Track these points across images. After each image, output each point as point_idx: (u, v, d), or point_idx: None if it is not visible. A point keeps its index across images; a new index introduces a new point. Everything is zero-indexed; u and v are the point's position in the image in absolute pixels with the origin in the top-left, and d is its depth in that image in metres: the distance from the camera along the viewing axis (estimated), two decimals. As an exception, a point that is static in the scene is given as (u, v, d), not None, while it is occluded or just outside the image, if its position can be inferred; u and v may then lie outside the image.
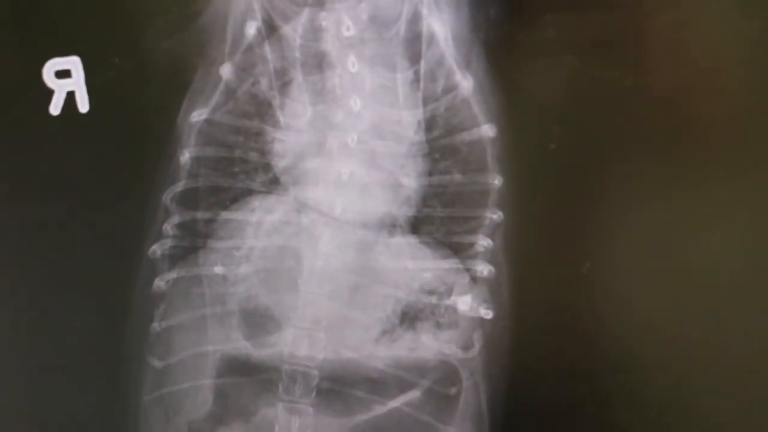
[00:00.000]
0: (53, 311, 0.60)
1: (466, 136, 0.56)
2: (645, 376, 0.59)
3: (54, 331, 0.61)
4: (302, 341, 0.57)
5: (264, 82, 0.56)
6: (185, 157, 0.57)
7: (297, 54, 0.56)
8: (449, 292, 0.57)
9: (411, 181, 0.56)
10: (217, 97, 0.56)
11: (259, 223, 0.57)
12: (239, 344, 0.57)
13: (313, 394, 0.57)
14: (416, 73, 0.55)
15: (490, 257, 0.57)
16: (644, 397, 0.58)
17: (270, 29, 0.56)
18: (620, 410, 0.59)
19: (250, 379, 0.57)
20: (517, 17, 0.56)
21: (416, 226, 0.56)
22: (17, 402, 0.61)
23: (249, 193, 0.57)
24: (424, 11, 0.55)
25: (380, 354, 0.57)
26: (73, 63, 0.58)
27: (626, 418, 0.59)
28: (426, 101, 0.56)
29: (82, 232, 0.60)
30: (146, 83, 0.57)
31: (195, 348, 0.58)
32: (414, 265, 0.57)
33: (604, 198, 0.57)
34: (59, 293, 0.59)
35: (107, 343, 0.60)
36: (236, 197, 0.57)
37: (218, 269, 0.57)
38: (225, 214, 0.57)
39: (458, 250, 0.57)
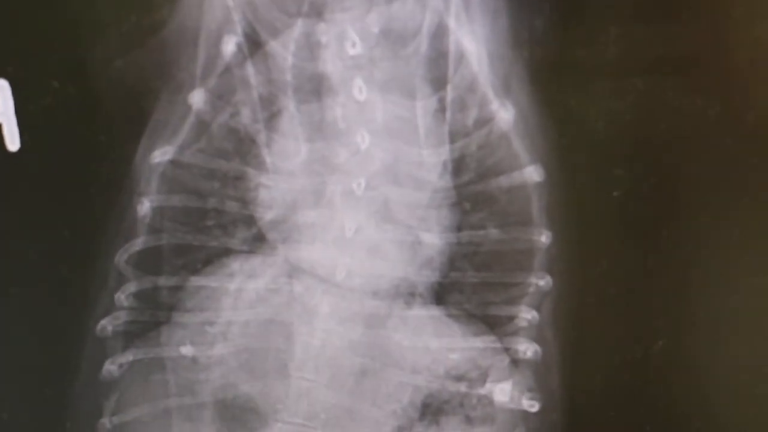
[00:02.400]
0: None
1: (504, 180, 0.56)
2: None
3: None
4: None
5: (246, 113, 0.57)
6: (145, 207, 0.57)
7: (288, 77, 0.56)
8: (483, 379, 0.57)
9: (434, 237, 0.57)
10: (185, 131, 0.57)
11: (239, 292, 0.58)
12: None
13: None
14: (441, 101, 0.56)
15: (536, 334, 0.57)
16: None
17: (254, 45, 0.56)
18: None
19: None
20: (569, 29, 0.57)
21: (441, 295, 0.57)
22: None
23: (226, 253, 0.57)
24: (452, 23, 0.56)
25: None
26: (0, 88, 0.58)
27: None
28: (454, 137, 0.56)
29: (11, 303, 0.60)
30: (93, 114, 0.58)
31: None
32: (438, 344, 0.57)
33: (682, 259, 0.58)
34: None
35: None
36: (210, 259, 0.57)
37: (186, 350, 0.58)
38: (195, 280, 0.58)
39: (495, 325, 0.57)
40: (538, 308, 0.57)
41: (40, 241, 0.60)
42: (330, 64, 0.56)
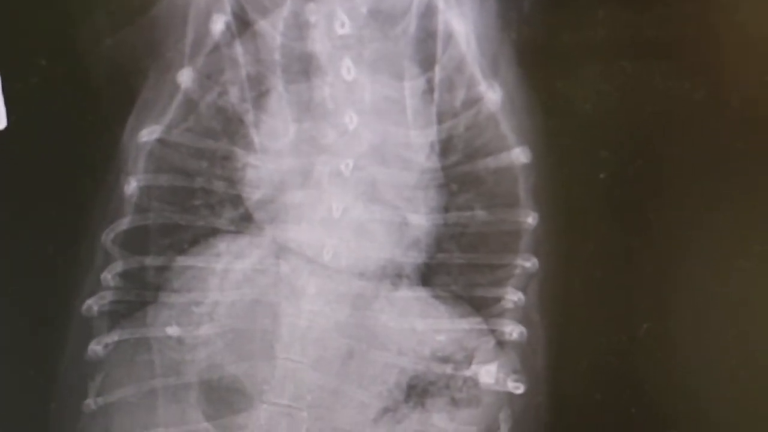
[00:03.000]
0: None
1: (491, 162, 0.57)
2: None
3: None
4: (280, 423, 0.58)
5: (234, 93, 0.57)
6: (132, 186, 0.58)
7: (277, 56, 0.56)
8: (469, 360, 0.58)
9: (421, 218, 0.57)
10: (173, 110, 0.57)
11: (225, 272, 0.58)
12: (198, 427, 0.58)
13: None
14: (429, 82, 0.56)
15: (522, 316, 0.58)
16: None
17: (242, 25, 0.57)
18: None
19: None
20: (558, 11, 0.57)
21: (427, 276, 0.57)
22: None
23: (213, 233, 0.58)
24: (440, 3, 0.56)
25: None
26: (-13, 65, 0.57)
27: None
28: (441, 118, 0.56)
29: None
30: (81, 92, 0.58)
31: None
32: (424, 326, 0.57)
33: (666, 242, 0.58)
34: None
35: (27, 427, 0.60)
36: (197, 238, 0.58)
37: (172, 330, 0.58)
38: (182, 260, 0.58)
39: (481, 306, 0.57)
40: (524, 290, 0.58)
41: (26, 220, 0.60)
42: (319, 44, 0.56)
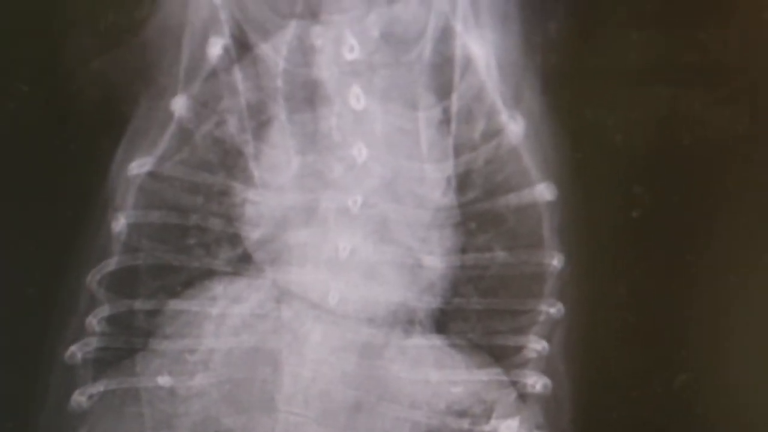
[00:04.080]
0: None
1: (513, 199, 0.56)
2: None
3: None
4: None
5: (233, 122, 0.56)
6: (120, 223, 0.57)
7: (279, 83, 0.56)
8: (488, 415, 0.57)
9: (436, 260, 0.56)
10: (166, 141, 0.56)
11: (222, 317, 0.57)
12: None
13: None
14: (446, 111, 0.55)
15: (546, 366, 0.57)
16: None
17: (242, 48, 0.56)
18: None
19: None
20: (586, 35, 0.56)
21: (443, 322, 0.57)
22: None
23: (209, 274, 0.57)
24: (458, 26, 0.55)
25: None
26: (-39, 91, 0.57)
27: None
28: (459, 151, 0.56)
29: None
30: (65, 120, 0.57)
31: None
32: (439, 377, 0.57)
33: (706, 286, 0.57)
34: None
35: None
36: (191, 281, 0.57)
37: (163, 380, 0.57)
38: (174, 304, 0.57)
39: (501, 356, 0.57)
40: (548, 338, 0.57)
41: (4, 259, 0.59)
42: (325, 70, 0.55)
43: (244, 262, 0.57)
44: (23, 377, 0.59)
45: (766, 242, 0.57)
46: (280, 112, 0.56)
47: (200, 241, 0.57)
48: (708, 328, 0.58)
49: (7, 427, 0.59)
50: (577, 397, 0.58)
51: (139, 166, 0.57)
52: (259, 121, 0.56)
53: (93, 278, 0.58)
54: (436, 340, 0.57)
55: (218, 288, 0.58)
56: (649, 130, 0.56)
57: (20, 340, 0.59)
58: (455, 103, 0.56)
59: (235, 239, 0.57)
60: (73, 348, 0.58)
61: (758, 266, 0.57)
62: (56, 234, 0.58)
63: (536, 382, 0.57)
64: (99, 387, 0.58)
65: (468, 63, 0.55)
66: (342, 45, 0.55)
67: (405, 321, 0.57)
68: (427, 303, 0.57)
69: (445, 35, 0.55)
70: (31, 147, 0.58)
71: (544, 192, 0.56)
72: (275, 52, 0.56)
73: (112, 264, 0.57)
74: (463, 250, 0.57)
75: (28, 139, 0.58)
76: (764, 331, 0.57)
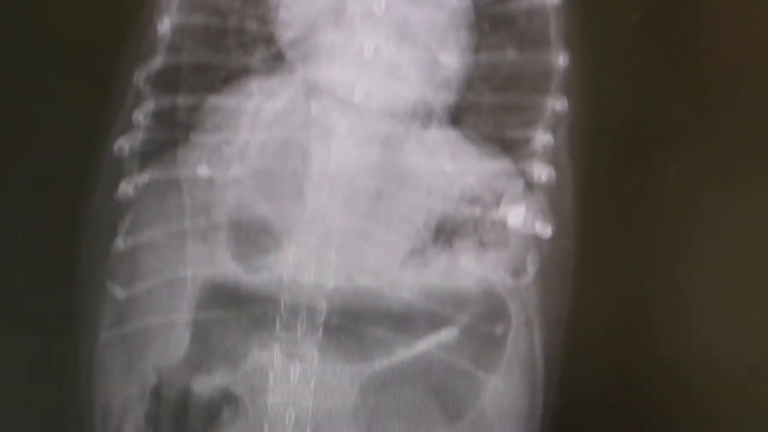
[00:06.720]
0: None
1: (524, 2, 0.57)
2: (729, 308, 0.61)
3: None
4: (307, 264, 0.58)
5: None
6: (165, 26, 0.58)
7: None
8: (497, 202, 0.58)
9: (452, 59, 0.58)
10: None
11: (256, 112, 0.58)
12: (227, 267, 0.58)
13: (320, 332, 0.58)
14: None
15: (551, 158, 0.58)
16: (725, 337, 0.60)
17: None
18: (699, 353, 0.61)
19: (239, 312, 0.58)
20: None
21: (458, 116, 0.58)
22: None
23: (245, 72, 0.58)
24: None
25: (407, 281, 0.58)
26: None
27: (706, 360, 0.61)
28: None
29: (30, 118, 0.62)
30: None
31: (169, 272, 0.59)
32: (453, 167, 0.58)
33: (703, 82, 0.59)
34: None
35: (55, 266, 0.61)
36: (228, 78, 0.58)
37: (202, 170, 0.59)
38: (213, 100, 0.58)
39: (510, 147, 0.58)
40: (554, 132, 0.58)
41: (59, 58, 0.61)
42: None
43: (277, 61, 0.58)
44: (75, 168, 0.61)
45: None
46: None
47: (238, 42, 0.58)
48: (706, 115, 0.60)
49: (62, 212, 0.61)
50: (577, 187, 0.60)
51: (184, -29, 0.57)
52: (294, -76, 0.56)
53: (140, 76, 0.59)
54: (451, 133, 0.58)
55: (253, 84, 0.59)
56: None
57: (71, 135, 0.61)
58: None
59: (269, 39, 0.58)
60: (120, 141, 0.60)
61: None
62: (108, 36, 0.60)
63: (541, 173, 0.59)
64: (144, 177, 0.59)
65: None
66: None
67: (423, 115, 0.58)
68: (444, 98, 0.58)
69: None
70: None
71: (552, -6, 0.57)
72: None
73: (157, 62, 0.59)
74: (477, 50, 0.58)
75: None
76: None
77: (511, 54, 0.58)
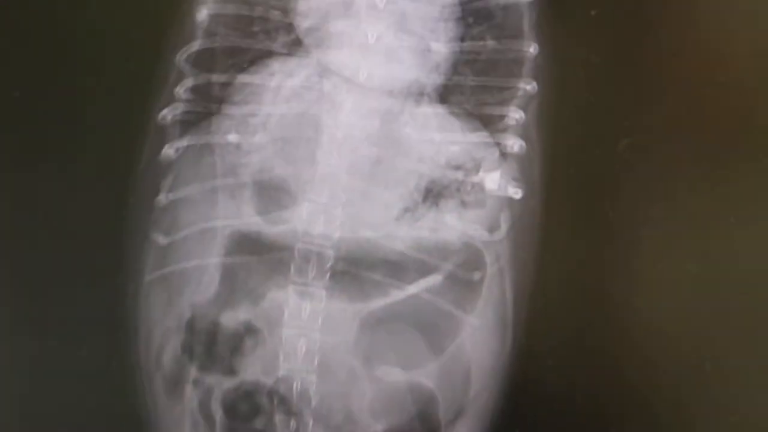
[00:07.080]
0: (53, 175, 0.66)
1: (501, 0, 0.61)
2: (688, 269, 0.65)
3: (52, 196, 0.66)
4: (318, 217, 0.62)
5: None
6: (202, 14, 0.63)
7: None
8: (477, 168, 0.62)
9: (441, 46, 0.62)
10: None
11: (277, 88, 0.63)
12: (250, 220, 0.63)
13: (327, 276, 0.62)
14: None
15: (522, 131, 0.63)
16: (687, 299, 0.64)
17: None
18: (658, 310, 0.65)
19: (260, 258, 0.62)
20: None
21: (445, 95, 0.62)
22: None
23: (268, 55, 0.62)
24: None
25: (400, 234, 0.62)
26: None
27: (664, 325, 0.65)
28: None
29: (88, 92, 0.66)
30: None
31: (203, 223, 0.63)
32: (441, 138, 0.62)
33: (651, 67, 0.63)
34: (60, 158, 0.66)
35: (109, 215, 0.66)
36: (255, 59, 0.62)
37: (232, 137, 0.63)
38: (242, 78, 0.63)
39: (488, 122, 0.62)
40: (524, 109, 0.63)
41: (114, 40, 0.67)
42: None
43: (295, 46, 0.63)
44: (126, 135, 0.66)
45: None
46: None
47: (263, 29, 0.63)
48: (650, 97, 0.64)
49: (113, 173, 0.66)
50: (544, 157, 0.65)
51: (217, -33, 0.60)
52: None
53: (181, 56, 0.64)
54: (440, 109, 0.63)
55: (275, 65, 0.63)
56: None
57: (123, 106, 0.66)
58: None
59: (289, 27, 0.62)
60: (164, 111, 0.64)
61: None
62: (156, 22, 0.65)
63: (514, 144, 0.63)
64: (183, 142, 0.64)
65: None
66: None
67: (416, 93, 0.63)
68: (434, 79, 0.63)
69: None
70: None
71: (525, -5, 0.60)
72: None
73: (195, 45, 0.64)
74: (462, 39, 0.62)
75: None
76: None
77: (490, 43, 0.62)
